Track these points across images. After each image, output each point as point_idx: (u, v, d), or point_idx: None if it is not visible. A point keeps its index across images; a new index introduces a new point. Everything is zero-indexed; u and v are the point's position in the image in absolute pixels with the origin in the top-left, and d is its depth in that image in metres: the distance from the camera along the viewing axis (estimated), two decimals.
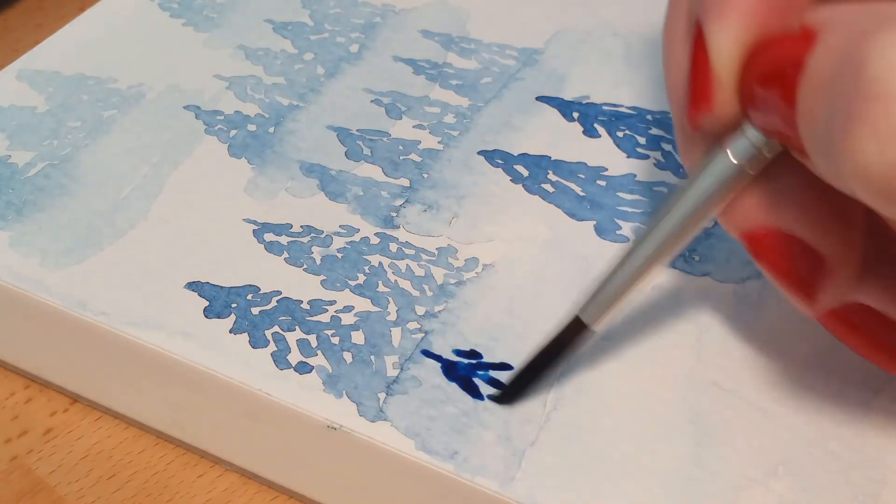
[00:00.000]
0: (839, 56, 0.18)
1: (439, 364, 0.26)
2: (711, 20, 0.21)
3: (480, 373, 0.25)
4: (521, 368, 0.25)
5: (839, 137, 0.17)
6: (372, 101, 0.33)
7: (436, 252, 0.28)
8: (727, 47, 0.21)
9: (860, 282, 0.22)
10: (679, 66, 0.23)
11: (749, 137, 0.21)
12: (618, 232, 0.29)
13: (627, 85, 0.33)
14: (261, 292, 0.27)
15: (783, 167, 0.21)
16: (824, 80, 0.18)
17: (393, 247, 0.28)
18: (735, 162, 0.21)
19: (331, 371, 0.26)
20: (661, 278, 0.27)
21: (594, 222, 0.29)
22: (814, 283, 0.22)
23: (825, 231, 0.21)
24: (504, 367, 0.25)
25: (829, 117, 0.18)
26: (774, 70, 0.20)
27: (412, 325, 0.26)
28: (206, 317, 0.27)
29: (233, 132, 0.32)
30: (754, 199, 0.22)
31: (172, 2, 0.37)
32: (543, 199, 0.30)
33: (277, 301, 0.27)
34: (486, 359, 0.26)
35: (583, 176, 0.30)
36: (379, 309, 0.27)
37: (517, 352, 0.26)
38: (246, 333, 0.26)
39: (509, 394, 0.25)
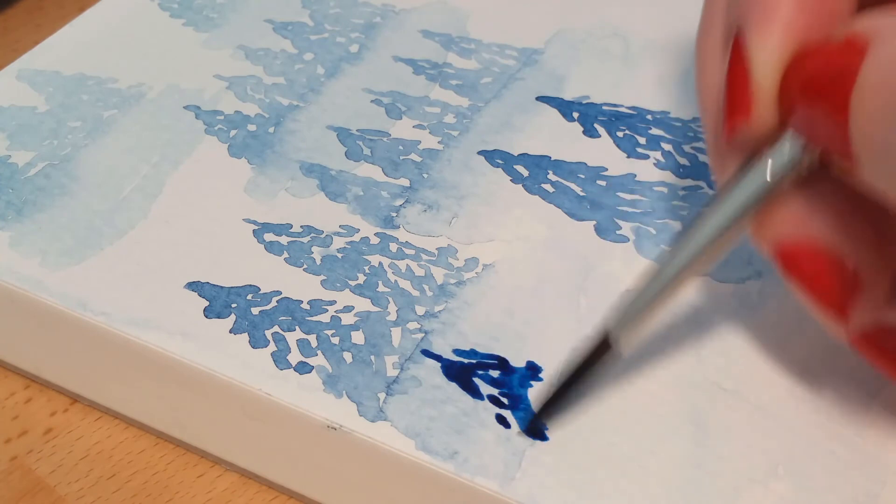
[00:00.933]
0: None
1: (439, 364, 0.26)
2: (752, 29, 0.21)
3: (480, 372, 0.25)
4: (550, 393, 0.24)
5: None
6: (372, 101, 0.33)
7: (436, 252, 0.28)
8: (768, 57, 0.20)
9: (893, 302, 0.21)
10: (714, 75, 0.23)
11: (786, 149, 0.21)
12: (618, 232, 0.29)
13: (627, 85, 0.33)
14: (261, 292, 0.27)
15: (819, 180, 0.21)
16: (882, 90, 0.18)
17: (393, 247, 0.28)
18: (771, 174, 0.21)
19: (331, 371, 0.26)
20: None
21: (594, 222, 0.29)
22: (846, 301, 0.21)
23: (860, 245, 0.21)
24: (503, 364, 0.25)
25: (890, 130, 0.17)
26: (823, 80, 0.19)
27: (412, 325, 0.26)
28: (206, 317, 0.27)
29: (233, 132, 0.32)
30: (788, 212, 0.21)
31: (172, 2, 0.37)
32: (543, 199, 0.30)
33: (277, 301, 0.27)
34: (486, 358, 0.26)
35: (583, 176, 0.30)
36: (379, 309, 0.27)
37: (517, 351, 0.26)
38: (246, 333, 0.26)
39: (540, 419, 0.24)
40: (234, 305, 0.27)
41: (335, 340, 0.26)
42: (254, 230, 0.29)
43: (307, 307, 0.27)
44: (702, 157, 0.31)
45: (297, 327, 0.26)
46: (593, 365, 0.24)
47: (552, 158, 0.31)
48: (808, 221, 0.21)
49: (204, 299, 0.27)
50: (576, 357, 0.24)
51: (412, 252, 0.28)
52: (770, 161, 0.21)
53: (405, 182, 0.30)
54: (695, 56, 0.24)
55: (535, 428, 0.24)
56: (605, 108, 0.32)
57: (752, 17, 0.21)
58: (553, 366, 0.25)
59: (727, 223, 0.22)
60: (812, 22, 0.20)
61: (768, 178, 0.21)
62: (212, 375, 0.26)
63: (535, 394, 0.25)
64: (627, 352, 0.24)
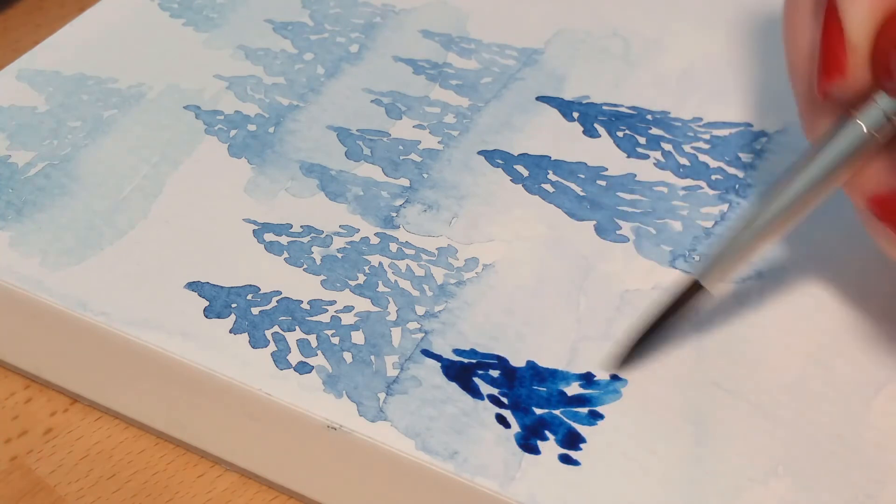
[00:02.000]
0: None
1: (439, 364, 0.26)
2: None
3: (480, 372, 0.25)
4: (637, 332, 0.25)
5: None
6: (372, 101, 0.33)
7: (436, 252, 0.28)
8: (862, 18, 0.21)
9: None
10: (805, 37, 0.24)
11: (880, 105, 0.22)
12: (618, 232, 0.29)
13: (627, 85, 0.33)
14: (261, 292, 0.27)
15: None
16: None
17: (393, 247, 0.28)
18: (866, 129, 0.22)
19: (331, 371, 0.26)
20: (661, 278, 0.27)
21: (594, 222, 0.29)
22: None
23: None
24: (503, 363, 0.25)
25: None
26: None
27: (412, 325, 0.26)
28: (206, 317, 0.27)
29: (233, 132, 0.32)
30: (881, 164, 0.23)
31: (172, 2, 0.37)
32: (543, 199, 0.30)
33: (277, 301, 0.27)
34: (486, 358, 0.26)
35: (583, 176, 0.30)
36: (379, 309, 0.27)
37: (517, 351, 0.26)
38: (246, 333, 0.26)
39: (624, 358, 0.25)
40: (234, 305, 0.27)
41: (335, 340, 0.26)
42: (254, 230, 0.29)
43: (307, 307, 0.27)
44: (702, 157, 0.31)
45: (297, 327, 0.26)
46: (682, 306, 0.25)
47: (552, 158, 0.31)
48: None
49: (204, 299, 0.27)
50: (664, 299, 0.25)
51: (412, 252, 0.28)
52: (865, 117, 0.22)
53: (405, 182, 0.30)
54: (783, 20, 0.25)
55: (616, 363, 0.25)
56: (605, 108, 0.32)
57: None
58: (552, 365, 0.25)
59: (823, 176, 0.23)
60: None
61: (864, 133, 0.22)
62: (212, 375, 0.26)
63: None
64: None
